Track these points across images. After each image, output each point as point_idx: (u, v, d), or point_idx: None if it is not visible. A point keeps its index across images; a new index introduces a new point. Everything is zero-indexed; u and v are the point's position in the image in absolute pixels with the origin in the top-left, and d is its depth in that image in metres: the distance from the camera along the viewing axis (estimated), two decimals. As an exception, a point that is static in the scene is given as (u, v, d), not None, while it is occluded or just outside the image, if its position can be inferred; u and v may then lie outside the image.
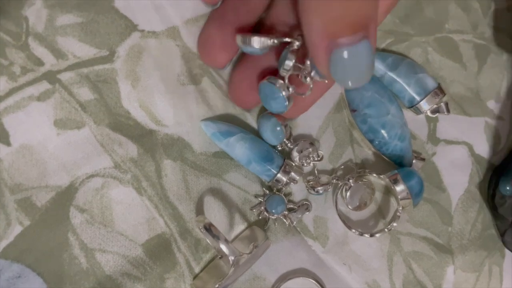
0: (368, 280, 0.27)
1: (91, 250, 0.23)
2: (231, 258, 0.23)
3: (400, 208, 0.25)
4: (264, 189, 0.26)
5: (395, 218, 0.26)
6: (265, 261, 0.26)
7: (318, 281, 0.26)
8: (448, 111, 0.27)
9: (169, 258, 0.25)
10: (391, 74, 0.27)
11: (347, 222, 0.26)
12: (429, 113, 0.27)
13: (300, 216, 0.26)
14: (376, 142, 0.27)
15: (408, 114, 0.28)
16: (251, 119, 0.27)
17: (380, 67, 0.27)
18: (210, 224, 0.23)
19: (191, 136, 0.25)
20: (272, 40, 0.20)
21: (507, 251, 0.29)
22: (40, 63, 0.23)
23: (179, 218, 0.25)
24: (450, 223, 0.28)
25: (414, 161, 0.27)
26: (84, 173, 0.23)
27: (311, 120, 0.27)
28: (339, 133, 0.27)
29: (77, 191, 0.23)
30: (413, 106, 0.27)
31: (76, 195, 0.23)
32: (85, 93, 0.23)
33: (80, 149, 0.23)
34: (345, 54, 0.17)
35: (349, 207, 0.26)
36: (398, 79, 0.27)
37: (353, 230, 0.26)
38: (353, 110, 0.27)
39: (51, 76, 0.23)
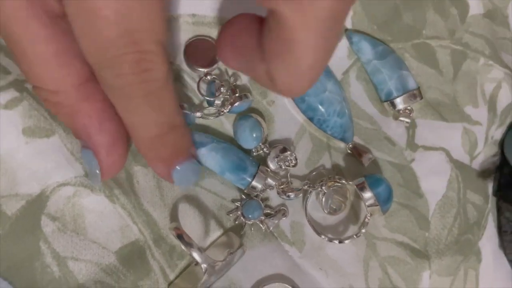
0: (344, 285, 0.27)
1: (63, 259, 0.23)
2: (204, 266, 0.23)
3: (369, 214, 0.25)
4: (241, 194, 0.26)
5: (364, 224, 0.26)
6: (241, 268, 0.26)
7: (295, 287, 0.26)
8: (409, 118, 0.27)
9: (143, 266, 0.24)
10: (377, 62, 0.27)
11: (317, 228, 0.26)
12: (401, 117, 0.27)
13: (277, 221, 0.26)
14: (316, 120, 0.27)
15: (388, 120, 0.28)
16: (227, 125, 0.26)
17: (368, 53, 0.27)
18: (183, 232, 0.23)
19: None
20: None
21: (484, 256, 0.29)
22: (6, 72, 0.23)
23: (153, 225, 0.25)
24: (427, 228, 0.28)
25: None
26: (55, 182, 0.23)
27: (287, 125, 0.27)
28: (315, 139, 0.27)
29: (48, 199, 0.23)
30: (388, 100, 0.27)
31: (48, 204, 0.23)
32: None
33: (50, 158, 0.23)
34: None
35: (325, 211, 0.26)
36: (382, 70, 0.27)
37: (323, 236, 0.26)
38: None
39: (18, 84, 0.23)
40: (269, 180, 0.26)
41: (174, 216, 0.25)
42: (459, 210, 0.29)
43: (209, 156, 0.25)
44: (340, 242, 0.26)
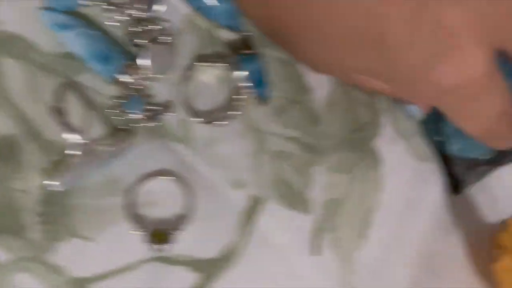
0: (234, 179, 0.27)
1: None
2: (78, 140, 0.22)
3: (238, 96, 0.26)
4: (122, 90, 0.26)
5: (237, 108, 0.26)
6: (124, 164, 0.25)
7: (183, 181, 0.26)
8: None
9: (16, 160, 0.23)
10: None
11: (191, 110, 0.26)
12: None
13: (162, 117, 0.26)
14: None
15: None
16: None
17: None
18: (61, 108, 0.22)
19: (35, 34, 0.24)
20: None
21: (385, 157, 0.29)
22: None
23: (26, 120, 0.24)
24: (318, 123, 0.28)
25: None
26: None
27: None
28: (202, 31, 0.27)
29: None
30: None
31: None
32: None
33: None
34: None
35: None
36: None
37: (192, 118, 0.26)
38: None
39: None
40: (137, 77, 0.25)
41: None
42: (351, 104, 0.29)
43: (75, 40, 0.24)
44: (208, 123, 0.26)
